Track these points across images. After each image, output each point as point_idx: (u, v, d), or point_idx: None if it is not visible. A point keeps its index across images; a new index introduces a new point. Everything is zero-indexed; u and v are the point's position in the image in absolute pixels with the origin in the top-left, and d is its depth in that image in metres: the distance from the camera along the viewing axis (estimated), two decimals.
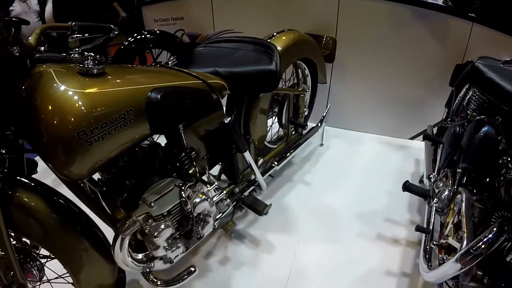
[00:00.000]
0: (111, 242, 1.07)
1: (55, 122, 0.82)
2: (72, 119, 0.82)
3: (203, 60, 1.41)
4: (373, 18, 2.22)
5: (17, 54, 0.81)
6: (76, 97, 0.84)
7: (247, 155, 1.37)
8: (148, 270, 1.19)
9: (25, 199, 0.96)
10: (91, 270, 1.13)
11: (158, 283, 1.24)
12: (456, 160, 1.45)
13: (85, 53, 0.95)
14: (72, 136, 0.82)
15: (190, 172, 1.20)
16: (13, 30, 0.84)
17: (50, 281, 1.20)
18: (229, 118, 1.22)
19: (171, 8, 3.14)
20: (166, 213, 1.08)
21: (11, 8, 4.15)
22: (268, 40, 1.66)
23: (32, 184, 1.00)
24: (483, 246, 0.92)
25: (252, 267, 1.52)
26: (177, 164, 1.19)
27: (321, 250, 1.59)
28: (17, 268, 0.99)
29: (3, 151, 0.88)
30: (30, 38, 0.92)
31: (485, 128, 1.30)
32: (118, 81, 0.97)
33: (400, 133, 2.50)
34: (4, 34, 0.80)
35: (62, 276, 1.19)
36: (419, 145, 2.22)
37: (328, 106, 2.30)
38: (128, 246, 1.07)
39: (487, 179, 1.21)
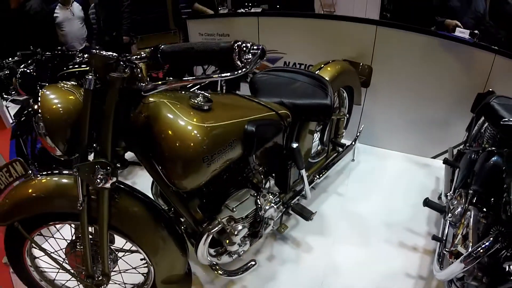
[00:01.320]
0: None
1: (183, 146, 1.06)
2: (201, 147, 1.09)
3: (267, 89, 1.69)
4: (406, 48, 2.45)
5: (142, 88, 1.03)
6: (201, 130, 1.09)
7: (303, 171, 1.68)
8: (215, 263, 1.47)
9: (123, 203, 1.18)
10: (168, 261, 1.36)
11: (224, 274, 1.50)
12: (469, 182, 1.67)
13: (197, 91, 1.20)
14: (199, 159, 1.10)
15: (257, 183, 1.53)
16: (139, 68, 1.04)
17: (127, 271, 1.44)
18: (297, 145, 1.55)
19: (217, 24, 3.37)
20: (244, 217, 1.41)
21: (55, 14, 4.28)
22: (317, 72, 1.95)
23: (127, 188, 1.23)
24: (481, 250, 1.20)
25: (294, 264, 1.82)
26: (249, 176, 1.51)
27: (351, 251, 1.89)
28: (106, 260, 1.21)
29: (115, 161, 1.09)
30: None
31: (494, 158, 1.53)
32: (222, 115, 1.21)
33: (424, 152, 2.73)
34: (136, 73, 1.03)
35: (135, 268, 1.44)
36: (440, 164, 2.37)
37: (362, 126, 2.58)
38: None
39: (492, 200, 1.43)
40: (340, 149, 2.33)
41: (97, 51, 1.01)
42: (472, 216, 1.43)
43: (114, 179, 1.07)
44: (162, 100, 1.11)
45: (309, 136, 1.87)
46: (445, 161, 1.98)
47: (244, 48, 0.88)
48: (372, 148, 2.83)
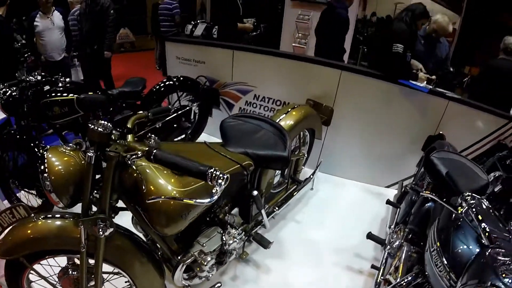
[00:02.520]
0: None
1: (166, 207, 1.32)
2: (180, 207, 1.34)
3: (235, 137, 1.89)
4: (367, 91, 2.73)
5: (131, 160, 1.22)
6: (179, 193, 1.32)
7: (263, 211, 1.94)
8: (187, 284, 1.74)
9: (113, 240, 1.40)
10: (148, 283, 1.63)
11: None
12: (407, 220, 1.92)
13: None
14: (178, 216, 1.36)
15: (223, 218, 1.77)
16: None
17: None
18: (256, 193, 1.82)
19: (194, 50, 3.56)
20: (212, 250, 1.67)
21: (35, 23, 4.28)
22: (283, 116, 2.23)
23: (118, 228, 1.46)
24: (404, 283, 1.48)
25: (254, 283, 2.09)
26: (216, 214, 1.75)
27: (304, 273, 2.16)
28: (99, 285, 1.46)
29: (112, 214, 1.38)
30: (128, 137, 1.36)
31: (427, 204, 1.80)
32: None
33: (379, 181, 3.03)
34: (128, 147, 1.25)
35: None
36: (393, 193, 2.74)
37: (320, 161, 2.86)
38: None
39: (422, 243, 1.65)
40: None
41: (95, 126, 1.22)
42: (404, 251, 1.70)
43: (111, 230, 1.31)
44: (147, 165, 1.35)
45: (270, 177, 2.10)
46: (388, 202, 2.27)
47: (215, 176, 1.09)
48: (331, 176, 3.11)
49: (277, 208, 2.29)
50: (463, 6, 5.05)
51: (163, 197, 1.26)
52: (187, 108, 3.13)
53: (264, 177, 1.98)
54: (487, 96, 2.84)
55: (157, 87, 3.16)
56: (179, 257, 1.60)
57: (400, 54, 2.55)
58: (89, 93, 2.64)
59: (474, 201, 1.23)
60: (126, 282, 1.67)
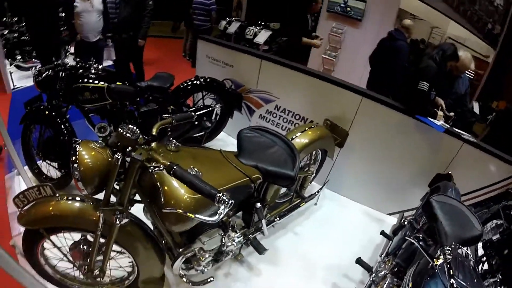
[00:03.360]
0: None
1: (180, 205, 1.48)
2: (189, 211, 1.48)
3: (249, 149, 2.03)
4: (384, 120, 2.79)
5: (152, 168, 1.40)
6: (191, 199, 1.49)
7: (263, 221, 2.08)
8: (184, 274, 1.92)
9: (127, 226, 1.62)
10: (149, 266, 1.86)
11: (189, 283, 1.95)
12: (397, 253, 1.96)
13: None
14: (188, 218, 1.51)
15: (226, 222, 1.93)
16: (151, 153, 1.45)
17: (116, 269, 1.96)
18: (259, 205, 1.97)
19: (225, 53, 3.70)
20: (211, 249, 1.83)
21: (75, 3, 4.45)
22: (299, 134, 2.35)
23: (133, 218, 1.70)
24: None
25: (244, 284, 2.25)
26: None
27: (293, 282, 2.30)
28: (106, 262, 1.70)
29: (129, 206, 1.59)
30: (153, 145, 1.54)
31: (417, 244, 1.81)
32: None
33: (382, 208, 3.09)
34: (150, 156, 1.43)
35: (123, 267, 1.97)
36: (393, 221, 2.82)
37: (328, 180, 2.97)
38: None
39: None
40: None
41: (124, 131, 1.42)
42: (387, 282, 1.79)
43: (126, 220, 1.54)
44: (166, 175, 1.49)
45: (276, 189, 2.21)
46: (382, 233, 2.36)
47: (221, 200, 1.21)
48: (336, 195, 3.21)
49: (278, 218, 2.42)
50: (499, 40, 4.97)
51: (178, 210, 1.42)
52: (210, 109, 3.28)
53: (270, 190, 2.11)
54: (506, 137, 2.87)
55: (185, 84, 3.33)
56: (180, 250, 1.78)
57: (424, 93, 2.61)
58: (119, 83, 2.81)
59: (450, 257, 1.29)
60: (129, 262, 1.91)
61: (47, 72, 2.72)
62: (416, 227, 2.05)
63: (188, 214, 1.36)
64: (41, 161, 3.00)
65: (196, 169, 1.52)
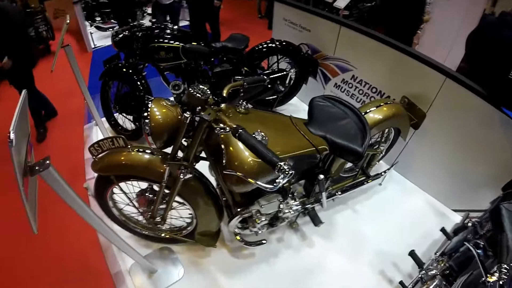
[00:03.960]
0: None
1: (243, 162, 1.52)
2: (251, 175, 1.50)
3: (320, 119, 1.97)
4: (466, 107, 2.47)
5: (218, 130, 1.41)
6: (253, 163, 1.52)
7: (323, 194, 2.05)
8: (238, 232, 2.01)
9: (191, 180, 1.71)
10: (207, 220, 1.99)
11: (242, 242, 2.05)
12: (453, 255, 1.85)
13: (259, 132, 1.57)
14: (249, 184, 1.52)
15: (286, 188, 1.92)
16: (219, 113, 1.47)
17: (176, 218, 2.18)
18: (322, 177, 1.93)
19: (302, 16, 3.54)
20: (268, 213, 1.87)
21: None
22: (374, 109, 2.20)
23: (197, 174, 1.81)
24: None
25: (295, 251, 2.30)
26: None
27: (339, 261, 2.29)
28: (168, 211, 1.84)
29: (194, 162, 1.66)
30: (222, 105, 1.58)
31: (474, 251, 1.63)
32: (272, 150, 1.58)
33: (447, 202, 2.83)
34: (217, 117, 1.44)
35: (183, 217, 2.16)
36: (457, 219, 2.62)
37: (397, 162, 2.79)
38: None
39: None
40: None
41: (194, 91, 1.45)
42: (434, 283, 1.70)
43: (190, 176, 1.62)
44: (231, 138, 1.53)
45: (342, 162, 2.15)
46: (442, 230, 2.17)
47: (282, 169, 1.17)
48: (403, 179, 3.03)
49: (339, 192, 2.36)
50: None
51: (238, 173, 1.45)
52: (284, 73, 3.21)
53: (336, 163, 2.06)
54: None
55: (260, 47, 3.28)
56: (238, 209, 1.84)
57: None
58: (194, 43, 2.85)
59: (506, 277, 1.16)
60: (189, 214, 2.04)
61: (124, 33, 2.87)
62: (479, 232, 1.83)
63: (248, 179, 1.38)
64: (117, 114, 3.24)
65: (262, 133, 1.53)
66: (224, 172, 1.51)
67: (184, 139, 1.61)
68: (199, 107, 1.46)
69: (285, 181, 1.18)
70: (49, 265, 2.39)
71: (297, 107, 3.92)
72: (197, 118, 1.48)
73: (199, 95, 1.45)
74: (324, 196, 2.08)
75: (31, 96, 3.65)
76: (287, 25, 3.77)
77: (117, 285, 2.18)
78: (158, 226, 1.94)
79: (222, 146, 1.52)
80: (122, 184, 1.94)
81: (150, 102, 1.57)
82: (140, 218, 2.16)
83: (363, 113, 2.13)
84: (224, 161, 1.53)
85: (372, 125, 2.12)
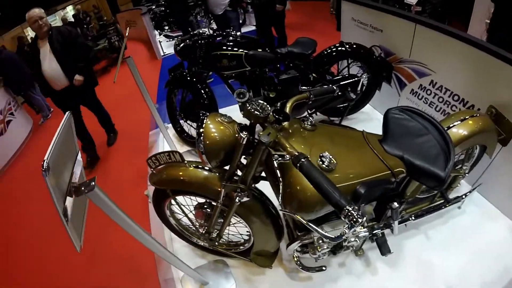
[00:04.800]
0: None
1: (299, 204, 1.40)
2: (313, 209, 1.38)
3: (396, 134, 1.72)
4: None
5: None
6: (316, 196, 1.28)
7: (396, 222, 1.82)
8: (297, 256, 1.85)
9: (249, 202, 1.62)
10: (264, 241, 1.87)
11: (300, 266, 1.88)
12: None
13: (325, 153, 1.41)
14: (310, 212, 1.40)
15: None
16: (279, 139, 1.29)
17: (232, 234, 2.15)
18: (396, 206, 1.69)
19: (372, 15, 3.23)
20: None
21: None
22: (457, 123, 1.88)
23: (256, 193, 1.72)
24: None
25: (357, 279, 2.08)
26: None
27: None
28: (224, 229, 1.78)
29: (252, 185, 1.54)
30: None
31: None
32: (340, 177, 1.39)
33: None
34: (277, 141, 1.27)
35: (241, 234, 2.10)
36: None
37: (480, 184, 2.41)
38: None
39: None
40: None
41: (252, 108, 1.29)
42: None
43: (247, 199, 1.49)
44: (291, 167, 1.38)
45: (419, 185, 1.87)
46: None
47: (350, 215, 0.98)
48: (485, 202, 2.60)
49: (413, 217, 2.07)
50: None
51: (296, 216, 1.33)
52: (356, 79, 2.98)
53: (412, 185, 1.80)
54: None
55: (329, 51, 3.07)
56: (299, 233, 1.68)
57: None
58: (259, 50, 2.73)
59: None
60: (247, 231, 1.95)
61: (185, 42, 2.86)
62: None
63: (306, 224, 1.25)
64: (182, 121, 3.26)
65: (330, 156, 1.37)
66: (279, 210, 1.40)
67: (244, 156, 1.49)
68: (257, 124, 1.34)
69: (352, 230, 1.00)
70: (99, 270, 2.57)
71: (370, 116, 3.63)
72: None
73: (258, 112, 1.30)
74: (396, 224, 1.84)
75: (100, 110, 3.95)
76: (356, 25, 3.49)
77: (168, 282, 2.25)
78: (213, 242, 1.89)
79: (278, 174, 1.36)
80: (180, 197, 1.94)
81: (205, 118, 1.49)
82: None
83: (445, 128, 1.83)
84: (280, 193, 1.40)
85: (456, 142, 1.81)
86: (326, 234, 1.18)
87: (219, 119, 1.49)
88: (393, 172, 1.56)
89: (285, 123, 1.42)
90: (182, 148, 3.53)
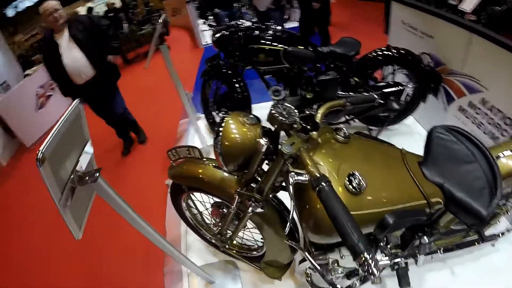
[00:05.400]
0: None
1: (316, 231, 1.26)
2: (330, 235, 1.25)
3: (439, 158, 1.50)
4: None
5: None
6: (328, 231, 1.22)
7: (422, 256, 1.63)
8: (309, 273, 1.70)
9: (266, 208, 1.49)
10: (278, 252, 1.77)
11: (309, 281, 1.73)
12: None
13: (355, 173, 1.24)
14: (329, 236, 1.27)
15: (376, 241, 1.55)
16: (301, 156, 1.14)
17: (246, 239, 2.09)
18: (426, 241, 1.51)
19: (425, 20, 2.96)
20: (347, 266, 1.52)
21: None
22: (507, 153, 1.63)
23: (273, 200, 1.63)
24: None
25: None
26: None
27: None
28: (237, 233, 1.68)
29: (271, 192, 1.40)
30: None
31: None
32: (367, 203, 1.24)
33: None
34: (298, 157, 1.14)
35: (256, 240, 2.04)
36: None
37: None
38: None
39: None
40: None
41: (277, 112, 1.17)
42: None
43: (259, 210, 1.36)
44: (320, 165, 1.23)
45: (453, 218, 1.65)
46: None
47: (366, 265, 0.84)
48: None
49: (442, 251, 1.87)
50: None
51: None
52: (400, 88, 2.76)
53: (446, 217, 1.59)
54: None
55: (374, 54, 2.85)
56: (315, 252, 1.53)
57: None
58: (299, 46, 2.58)
59: None
60: (261, 238, 1.87)
61: (221, 32, 2.76)
62: None
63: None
64: (215, 113, 3.21)
65: (360, 176, 1.21)
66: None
67: (266, 161, 1.37)
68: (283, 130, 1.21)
69: (364, 283, 0.86)
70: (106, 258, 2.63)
71: (411, 129, 3.39)
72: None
73: (283, 118, 1.16)
74: (423, 258, 1.66)
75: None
76: (406, 29, 3.24)
77: (173, 282, 2.27)
78: (224, 244, 1.81)
79: (291, 191, 1.14)
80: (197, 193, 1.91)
81: (227, 117, 1.37)
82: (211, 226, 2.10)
83: (495, 157, 1.57)
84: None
85: (504, 176, 1.56)
86: (332, 281, 1.12)
87: (241, 119, 1.36)
88: (430, 202, 1.36)
89: (314, 134, 1.26)
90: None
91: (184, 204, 2.04)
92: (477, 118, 2.64)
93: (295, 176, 1.09)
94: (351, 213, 1.07)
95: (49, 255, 2.95)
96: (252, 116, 1.40)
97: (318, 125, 1.23)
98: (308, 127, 1.21)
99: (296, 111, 1.21)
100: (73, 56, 3.09)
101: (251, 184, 1.40)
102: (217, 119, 3.31)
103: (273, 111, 1.18)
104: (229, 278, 2.15)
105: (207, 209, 1.93)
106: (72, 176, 1.06)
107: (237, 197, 1.41)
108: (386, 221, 1.24)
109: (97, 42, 3.19)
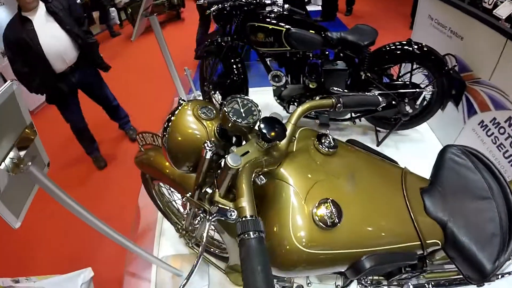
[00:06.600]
0: None
1: (277, 259, 0.95)
2: (294, 268, 0.96)
3: (447, 188, 1.21)
4: None
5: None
6: (298, 253, 0.92)
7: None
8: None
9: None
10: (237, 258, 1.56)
11: None
12: None
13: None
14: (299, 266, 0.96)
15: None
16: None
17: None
18: (415, 284, 1.30)
19: (456, 17, 2.61)
20: None
21: None
22: None
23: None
24: None
25: None
26: None
27: None
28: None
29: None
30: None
31: None
32: (342, 239, 0.96)
33: None
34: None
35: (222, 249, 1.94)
36: None
37: None
38: None
39: None
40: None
41: (232, 109, 0.93)
42: None
43: (208, 223, 1.07)
44: (286, 183, 0.97)
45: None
46: None
47: None
48: None
49: (432, 286, 1.58)
50: None
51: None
52: (417, 90, 2.45)
53: (440, 255, 1.33)
54: None
55: (392, 47, 2.50)
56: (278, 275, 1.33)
57: None
58: (305, 29, 2.30)
59: None
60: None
61: (219, 5, 2.49)
62: None
63: None
64: (210, 91, 3.05)
65: (335, 205, 0.94)
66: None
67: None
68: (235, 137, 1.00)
69: None
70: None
71: (423, 137, 3.08)
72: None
73: (238, 120, 0.88)
74: None
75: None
76: (432, 25, 2.91)
77: (145, 266, 2.21)
78: (188, 240, 1.71)
79: (204, 234, 0.92)
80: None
81: (180, 106, 1.05)
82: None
83: None
84: None
85: None
86: None
87: (199, 111, 1.03)
88: (424, 244, 1.09)
89: (281, 144, 0.98)
90: None
91: (154, 192, 1.88)
92: (498, 138, 2.34)
93: (215, 210, 0.84)
94: (314, 251, 0.89)
95: None
96: (213, 107, 1.08)
97: (283, 132, 0.91)
98: (269, 136, 0.88)
99: (259, 109, 0.93)
100: (51, 34, 2.52)
101: (206, 189, 1.08)
102: (214, 101, 3.09)
103: (225, 109, 0.90)
104: (196, 273, 2.02)
105: (179, 198, 1.79)
106: (3, 163, 0.99)
107: (187, 204, 1.13)
108: (361, 265, 0.99)
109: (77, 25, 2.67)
